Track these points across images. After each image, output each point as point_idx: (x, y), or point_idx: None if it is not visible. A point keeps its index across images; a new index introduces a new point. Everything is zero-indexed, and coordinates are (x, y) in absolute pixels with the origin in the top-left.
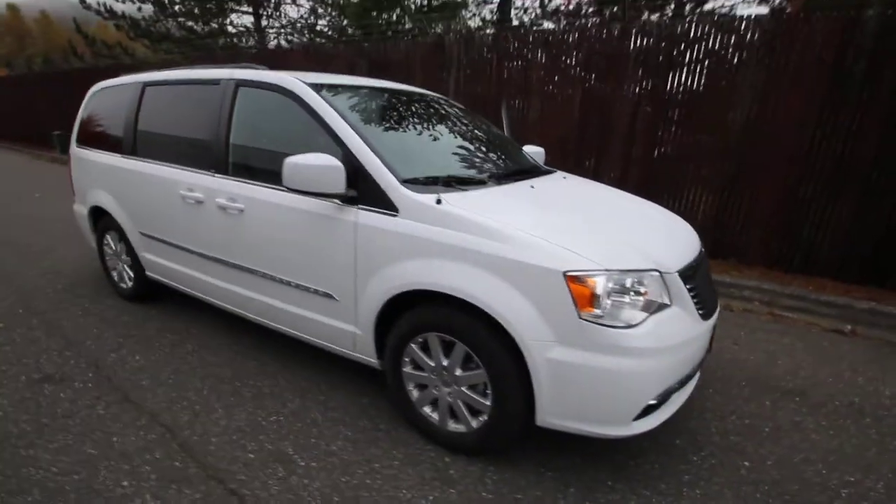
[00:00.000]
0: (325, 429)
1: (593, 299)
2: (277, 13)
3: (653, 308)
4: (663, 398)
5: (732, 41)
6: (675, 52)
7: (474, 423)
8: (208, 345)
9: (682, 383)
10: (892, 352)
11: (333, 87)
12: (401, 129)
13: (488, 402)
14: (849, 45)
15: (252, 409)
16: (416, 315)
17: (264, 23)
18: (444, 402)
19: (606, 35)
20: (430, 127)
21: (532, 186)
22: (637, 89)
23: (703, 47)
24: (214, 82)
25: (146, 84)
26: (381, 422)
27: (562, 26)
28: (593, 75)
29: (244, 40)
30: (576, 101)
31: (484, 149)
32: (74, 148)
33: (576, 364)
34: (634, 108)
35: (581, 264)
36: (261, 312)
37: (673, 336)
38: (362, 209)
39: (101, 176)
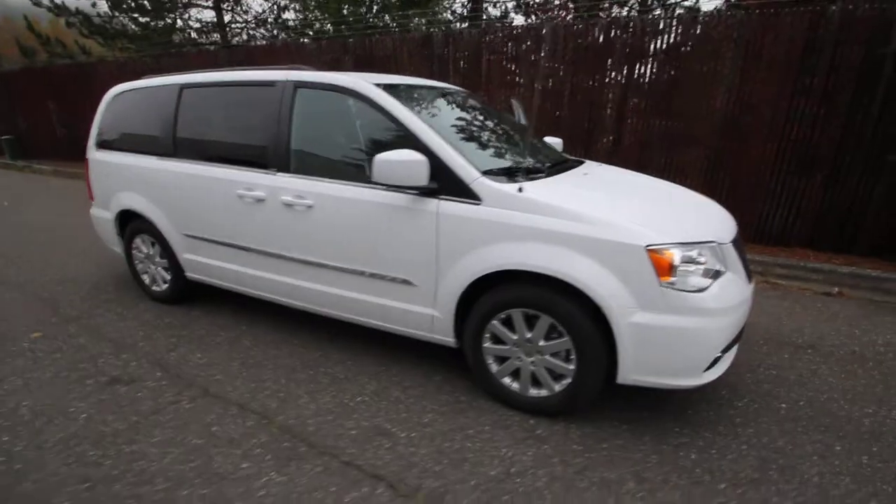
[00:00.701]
0: (410, 405)
1: (671, 269)
2: (240, 8)
3: (712, 274)
4: (725, 351)
5: (714, 35)
6: (659, 45)
7: (557, 387)
8: (265, 339)
9: (738, 339)
10: (876, 308)
11: (395, 87)
12: (458, 125)
13: (572, 367)
14: (814, 39)
15: (335, 393)
16: (500, 294)
17: (227, 18)
18: (527, 371)
19: (589, 30)
20: (478, 121)
21: (585, 174)
22: (608, 80)
23: (688, 41)
24: (269, 84)
25: (184, 86)
26: (461, 395)
27: (536, 20)
28: (576, 67)
29: (205, 36)
30: (564, 92)
31: (524, 141)
32: (94, 152)
33: (656, 326)
34: (619, 98)
35: (658, 239)
36: (327, 304)
37: (732, 297)
38: (444, 199)
39: (132, 179)
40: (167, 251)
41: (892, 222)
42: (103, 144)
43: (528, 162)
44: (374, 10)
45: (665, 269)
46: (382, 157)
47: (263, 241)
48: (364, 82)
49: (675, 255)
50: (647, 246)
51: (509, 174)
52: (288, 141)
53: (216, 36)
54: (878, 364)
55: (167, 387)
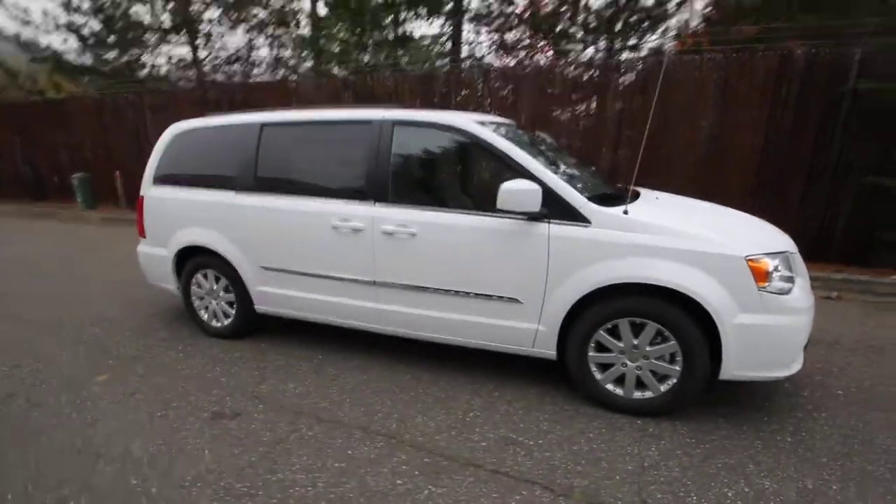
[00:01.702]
0: (522, 416)
1: (767, 275)
2: (213, 44)
3: (790, 280)
4: (805, 345)
5: (696, 75)
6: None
7: (662, 388)
8: (348, 366)
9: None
10: (874, 307)
11: (498, 125)
12: (544, 156)
13: (678, 368)
14: (783, 79)
15: (445, 411)
16: (609, 305)
17: (203, 54)
18: (632, 375)
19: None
20: (550, 152)
21: (657, 198)
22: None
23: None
24: (365, 122)
25: (264, 124)
26: (563, 404)
27: (513, 58)
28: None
29: (175, 72)
30: (566, 121)
31: (584, 168)
32: (151, 189)
33: (756, 325)
34: (614, 130)
35: (753, 250)
36: (425, 327)
37: (808, 299)
38: (554, 223)
39: (201, 215)
40: (237, 285)
41: (854, 235)
42: (163, 180)
43: (605, 189)
44: (369, 50)
45: (762, 276)
46: (507, 186)
47: (359, 269)
48: (464, 119)
49: (769, 264)
50: (747, 256)
51: (602, 199)
52: (387, 174)
53: (192, 72)
54: None
55: (276, 417)
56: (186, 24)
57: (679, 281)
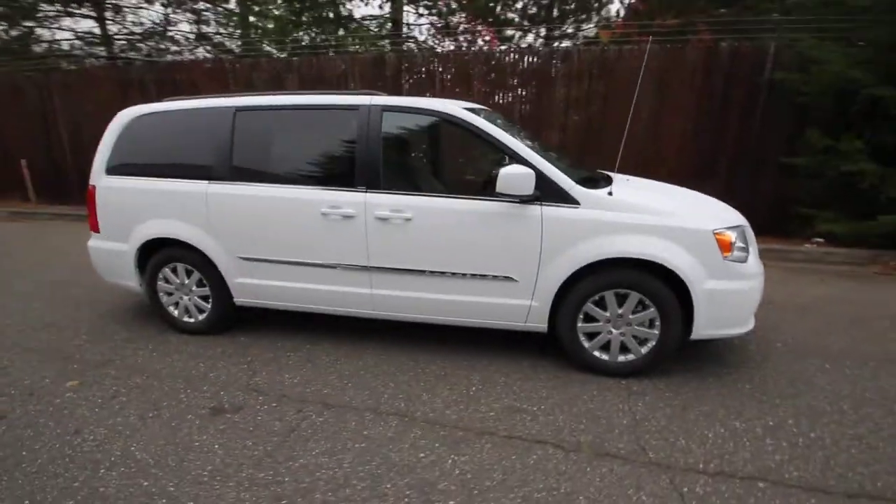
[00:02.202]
0: (521, 386)
1: (730, 246)
2: (121, 17)
3: (746, 249)
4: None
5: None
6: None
7: (643, 350)
8: (340, 353)
9: None
10: (792, 272)
11: (479, 111)
12: (525, 141)
13: (656, 331)
14: (710, 66)
15: (449, 387)
16: (598, 279)
17: (114, 29)
18: (617, 342)
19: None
20: (527, 137)
21: (627, 180)
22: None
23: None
24: (352, 108)
25: (238, 109)
26: (556, 372)
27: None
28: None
29: (82, 48)
30: (514, 109)
31: (558, 153)
32: (103, 178)
33: (721, 290)
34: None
35: (717, 225)
36: (420, 309)
37: (759, 266)
38: (546, 205)
39: (168, 205)
40: (212, 278)
41: (773, 210)
42: (118, 170)
43: (584, 173)
44: (307, 29)
45: (726, 247)
46: (506, 171)
47: (350, 255)
48: (455, 106)
49: (732, 235)
50: (714, 230)
51: (582, 182)
52: (378, 160)
53: (101, 49)
54: (818, 310)
55: (281, 407)
56: None
57: (658, 254)
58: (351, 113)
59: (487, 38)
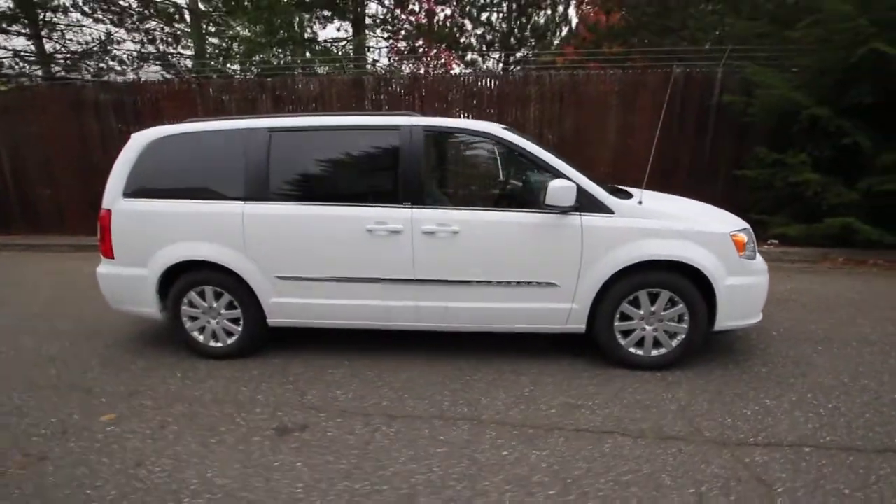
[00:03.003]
0: (570, 384)
1: (744, 246)
2: (61, 37)
3: (754, 248)
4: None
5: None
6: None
7: (673, 343)
8: (384, 366)
9: None
10: None
11: (515, 130)
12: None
13: (685, 326)
14: (668, 89)
15: (503, 391)
16: (630, 281)
17: (53, 46)
18: (650, 337)
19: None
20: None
21: (642, 192)
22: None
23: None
24: (394, 128)
25: (272, 130)
26: (595, 370)
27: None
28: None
29: (17, 66)
30: None
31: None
32: (121, 202)
33: (738, 285)
34: (536, 134)
35: (732, 228)
36: (462, 318)
37: (763, 262)
38: (585, 215)
39: (199, 227)
40: (246, 299)
41: None
42: (138, 192)
43: (606, 185)
44: (274, 50)
45: (741, 247)
46: (554, 184)
47: (397, 269)
48: (496, 126)
49: (745, 236)
50: (730, 233)
51: (613, 193)
52: (422, 177)
53: (37, 68)
54: (794, 301)
55: (347, 423)
56: (25, 9)
57: (687, 255)
58: (392, 133)
59: (442, 61)
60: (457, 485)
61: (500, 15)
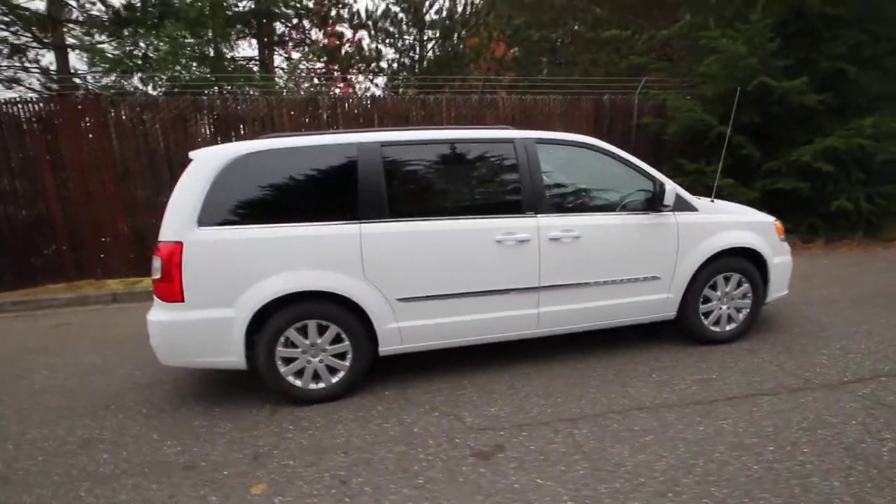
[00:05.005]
0: (682, 364)
1: (782, 231)
2: None
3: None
4: None
5: (546, 110)
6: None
7: (741, 317)
8: (510, 378)
9: None
10: None
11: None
12: None
13: (748, 301)
14: (599, 116)
15: (635, 380)
16: (712, 268)
17: None
18: (725, 315)
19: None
20: None
21: None
22: None
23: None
24: (507, 141)
25: (383, 144)
26: (687, 349)
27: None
28: None
29: None
30: None
31: None
32: (198, 232)
33: (780, 263)
34: None
35: (773, 218)
36: (580, 319)
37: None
38: (678, 213)
39: (309, 253)
40: (358, 329)
41: None
42: (221, 220)
43: None
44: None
45: (780, 231)
46: (669, 188)
47: (523, 278)
48: (594, 139)
49: (781, 224)
50: (773, 222)
51: None
52: (541, 186)
53: None
54: None
55: (535, 434)
56: None
57: (752, 242)
58: (507, 146)
59: (340, 85)
60: (694, 461)
61: (409, 42)
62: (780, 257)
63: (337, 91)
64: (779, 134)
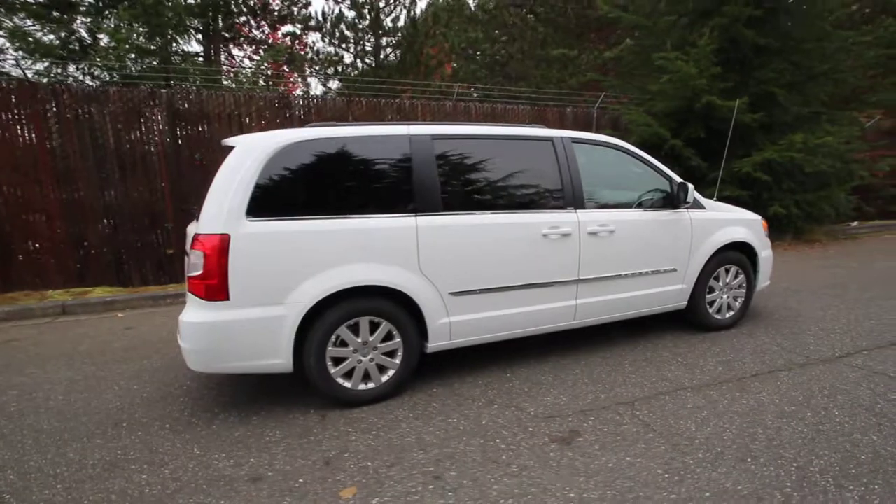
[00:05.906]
0: (701, 347)
1: (767, 227)
2: None
3: None
4: None
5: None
6: None
7: (737, 304)
8: (551, 368)
9: None
10: None
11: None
12: None
13: (744, 290)
14: (563, 123)
15: (666, 365)
16: (716, 261)
17: None
18: (725, 303)
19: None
20: None
21: None
22: None
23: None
24: (546, 139)
25: (434, 137)
26: (699, 336)
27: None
28: None
29: None
30: None
31: None
32: (247, 224)
33: (766, 256)
34: None
35: (759, 217)
36: (609, 310)
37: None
38: (691, 210)
39: (364, 246)
40: (410, 326)
41: None
42: (266, 210)
43: None
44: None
45: (766, 228)
46: (692, 186)
47: (565, 270)
48: (621, 140)
49: (766, 222)
50: (760, 220)
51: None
52: (579, 183)
53: None
54: None
55: (603, 418)
56: None
57: (747, 237)
58: (546, 144)
59: (290, 85)
60: (753, 429)
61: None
62: (765, 251)
63: (299, 92)
64: (720, 147)
